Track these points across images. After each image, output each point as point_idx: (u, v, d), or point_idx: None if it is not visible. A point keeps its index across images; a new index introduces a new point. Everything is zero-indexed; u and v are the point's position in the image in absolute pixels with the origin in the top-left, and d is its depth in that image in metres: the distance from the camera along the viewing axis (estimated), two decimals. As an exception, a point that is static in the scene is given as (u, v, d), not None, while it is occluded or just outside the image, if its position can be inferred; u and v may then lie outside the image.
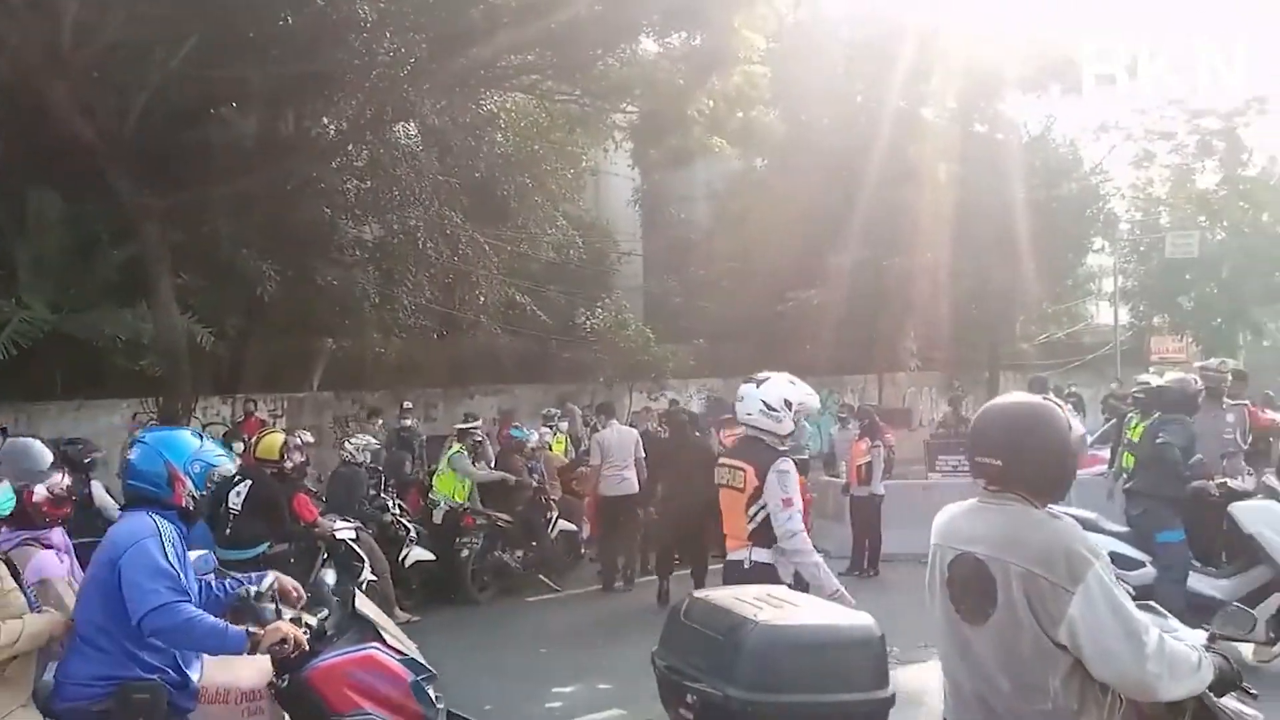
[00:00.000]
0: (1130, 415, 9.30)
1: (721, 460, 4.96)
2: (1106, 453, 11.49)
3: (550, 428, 12.37)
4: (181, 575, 3.31)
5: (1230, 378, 8.33)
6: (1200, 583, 6.39)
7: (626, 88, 12.97)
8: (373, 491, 9.40)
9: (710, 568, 10.45)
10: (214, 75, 11.28)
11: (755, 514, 4.48)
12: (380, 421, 13.32)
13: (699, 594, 2.99)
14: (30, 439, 4.23)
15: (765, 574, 4.35)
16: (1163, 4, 30.44)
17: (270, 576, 3.67)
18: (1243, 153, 24.14)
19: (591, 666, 7.42)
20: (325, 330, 15.08)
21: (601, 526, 10.63)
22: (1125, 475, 7.89)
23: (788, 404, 4.68)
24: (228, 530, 6.75)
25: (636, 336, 16.67)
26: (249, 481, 6.89)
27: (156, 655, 3.34)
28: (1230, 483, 6.88)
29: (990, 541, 2.52)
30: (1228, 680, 2.65)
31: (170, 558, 3.29)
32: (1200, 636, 2.79)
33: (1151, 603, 2.93)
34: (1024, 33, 19.69)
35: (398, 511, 9.15)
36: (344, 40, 11.03)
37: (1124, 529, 6.73)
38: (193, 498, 3.49)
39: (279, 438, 7.41)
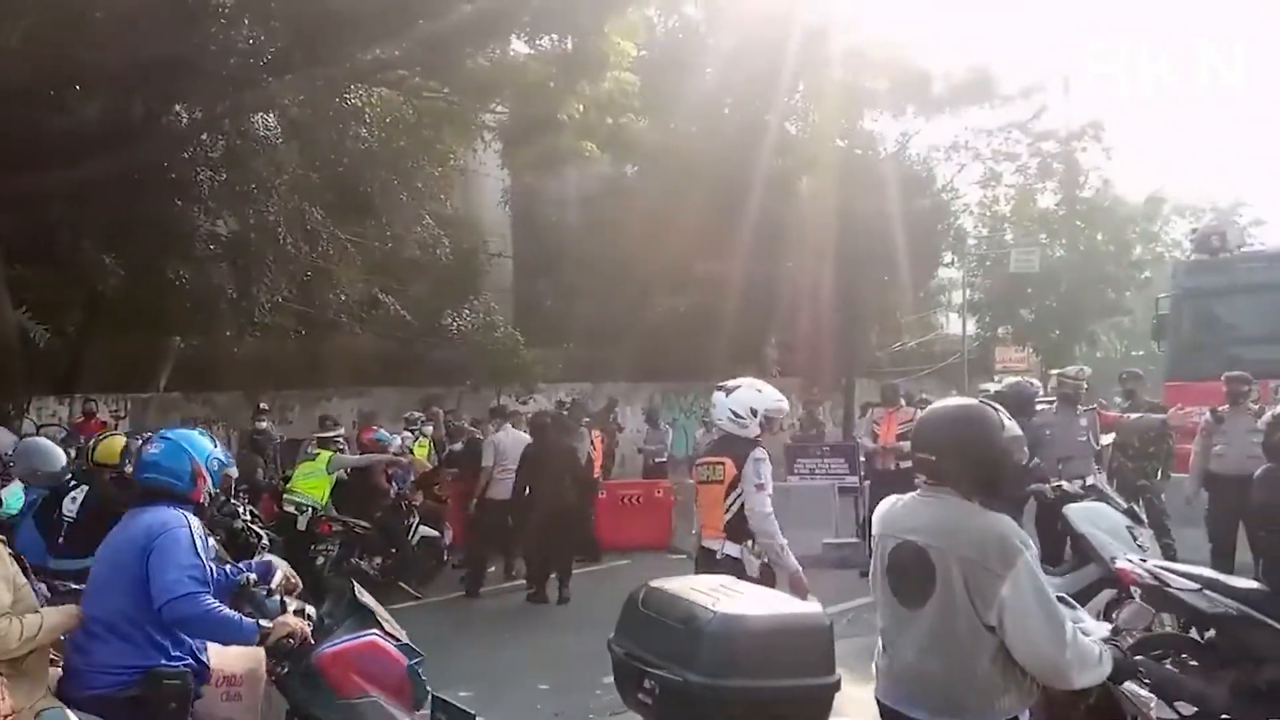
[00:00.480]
0: None
1: (700, 461, 5.38)
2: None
3: (413, 431, 12.11)
4: (208, 568, 3.49)
5: (1086, 386, 8.95)
6: None
7: (496, 87, 12.86)
8: (223, 497, 9.00)
9: (577, 571, 10.57)
10: (53, 56, 10.60)
11: (731, 504, 4.93)
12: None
13: (656, 584, 3.12)
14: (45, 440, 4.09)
15: (733, 567, 4.74)
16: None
17: (279, 573, 3.85)
18: (1080, 175, 25.74)
19: (454, 673, 7.30)
20: (174, 328, 14.37)
21: (480, 530, 10.53)
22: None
23: (753, 411, 5.10)
24: (61, 538, 6.31)
25: (505, 339, 16.50)
26: (84, 487, 6.47)
27: (180, 643, 3.48)
28: (1065, 485, 7.35)
29: (929, 531, 2.74)
30: (1124, 671, 2.91)
31: (199, 549, 3.46)
32: (1105, 629, 3.03)
33: (1064, 594, 3.18)
34: (885, 53, 20.49)
35: (249, 518, 8.78)
36: (200, 26, 10.55)
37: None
38: (209, 495, 3.75)
39: (120, 441, 6.97)
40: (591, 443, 12.24)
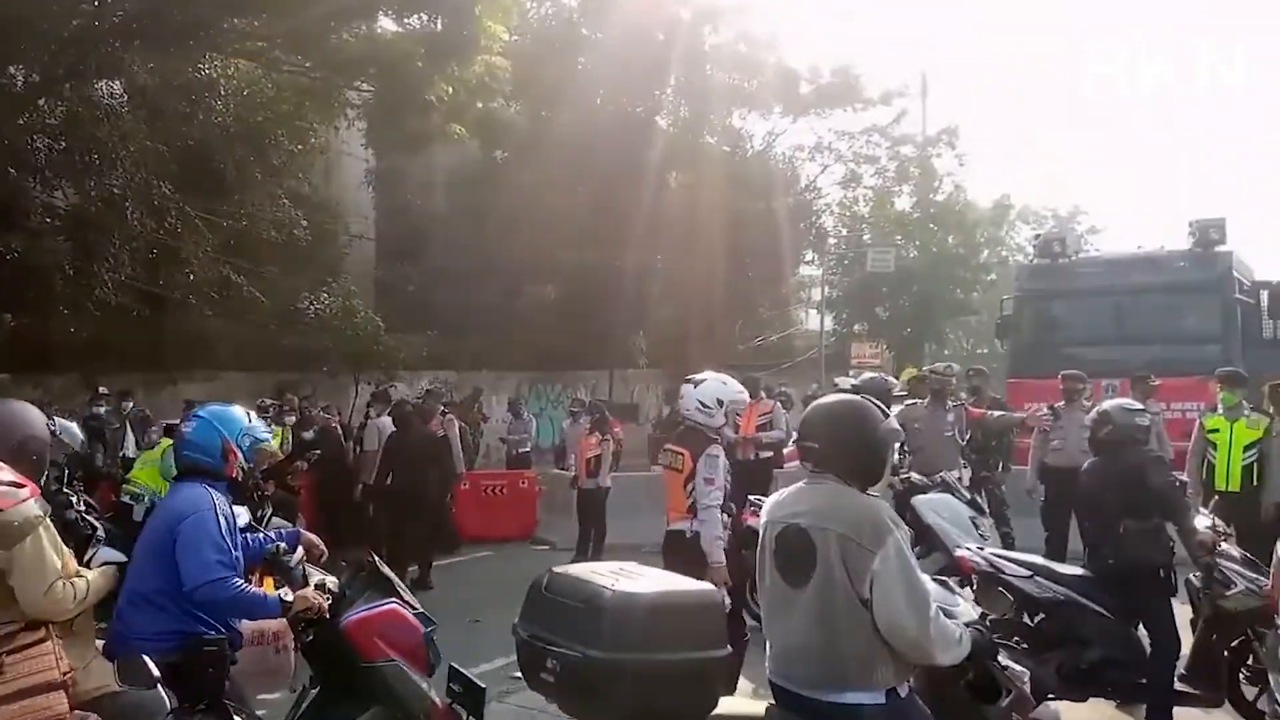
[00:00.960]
0: None
1: (665, 446, 5.86)
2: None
3: (266, 419, 11.63)
4: (232, 548, 3.66)
5: (954, 380, 9.34)
6: None
7: (361, 64, 12.48)
8: (55, 485, 8.42)
9: (439, 562, 10.40)
10: None
11: (691, 490, 5.38)
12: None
13: (558, 569, 3.24)
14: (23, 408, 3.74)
15: (699, 544, 5.32)
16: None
17: (300, 551, 4.01)
18: (934, 180, 26.86)
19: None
20: (3, 304, 13.36)
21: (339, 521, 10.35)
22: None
23: (719, 402, 5.54)
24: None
25: (365, 324, 16.01)
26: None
27: (215, 613, 3.69)
28: (914, 477, 7.66)
29: (812, 513, 2.95)
30: (984, 651, 3.14)
31: (223, 531, 3.63)
32: (975, 612, 3.31)
33: (944, 578, 3.51)
34: (756, 53, 20.89)
35: (83, 507, 8.23)
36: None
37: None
38: (242, 469, 3.89)
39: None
40: (441, 428, 12.08)
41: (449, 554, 11.42)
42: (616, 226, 18.60)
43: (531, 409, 17.78)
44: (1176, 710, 5.44)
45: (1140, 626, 5.54)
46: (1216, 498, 7.99)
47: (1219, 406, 8.39)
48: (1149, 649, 5.43)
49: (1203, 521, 5.69)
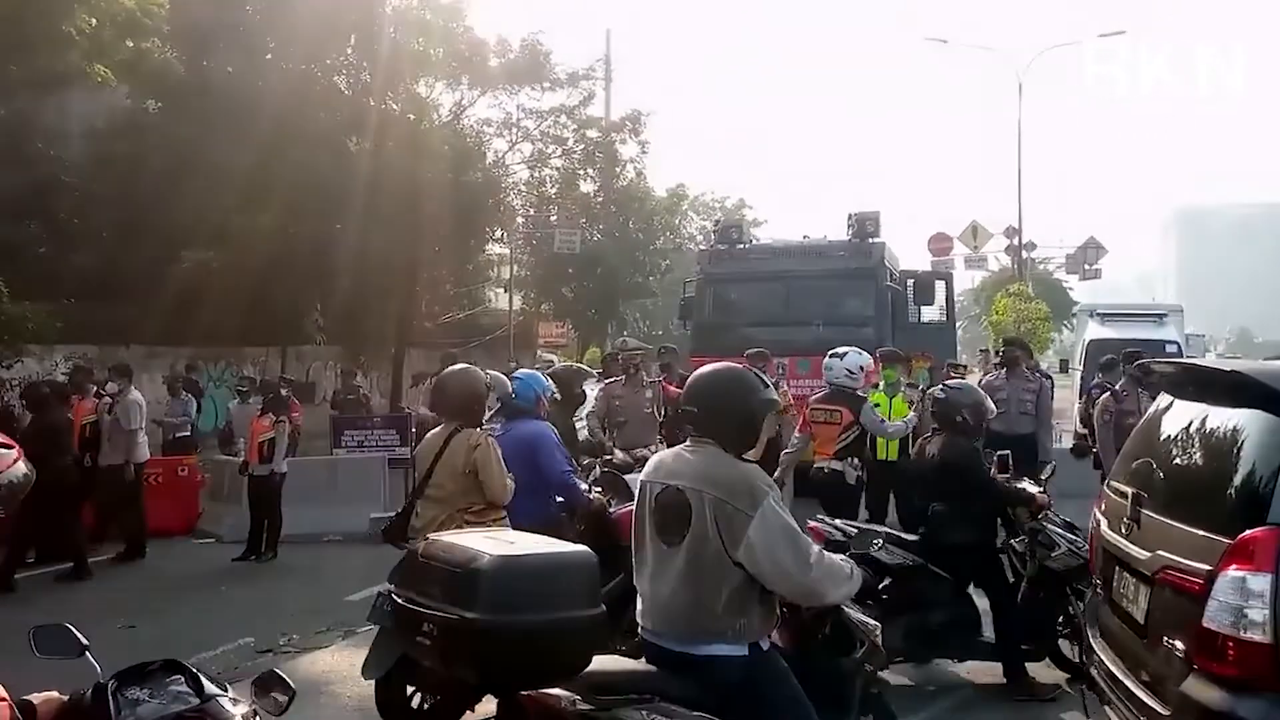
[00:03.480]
0: None
1: (816, 405, 7.83)
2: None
3: None
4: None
5: (641, 358, 9.45)
6: None
7: (-24, -19, 10.56)
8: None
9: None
10: None
11: (844, 437, 7.46)
12: None
13: (434, 536, 3.36)
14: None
15: (836, 478, 7.49)
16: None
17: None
18: (617, 165, 27.52)
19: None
20: None
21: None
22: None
23: (862, 369, 7.73)
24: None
25: (-18, 290, 13.62)
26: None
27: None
28: (619, 455, 7.70)
29: (690, 476, 3.14)
30: (869, 588, 3.65)
31: (559, 444, 5.82)
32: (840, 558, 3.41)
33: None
34: (442, 19, 20.18)
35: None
36: None
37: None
38: (546, 410, 6.12)
39: None
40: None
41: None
42: (289, 191, 17.21)
43: (196, 388, 15.99)
44: (989, 664, 5.86)
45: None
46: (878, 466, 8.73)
47: (880, 383, 9.11)
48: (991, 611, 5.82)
49: (1032, 488, 6.03)
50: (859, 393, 7.63)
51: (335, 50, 19.50)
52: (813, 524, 6.20)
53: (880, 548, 5.71)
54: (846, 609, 3.50)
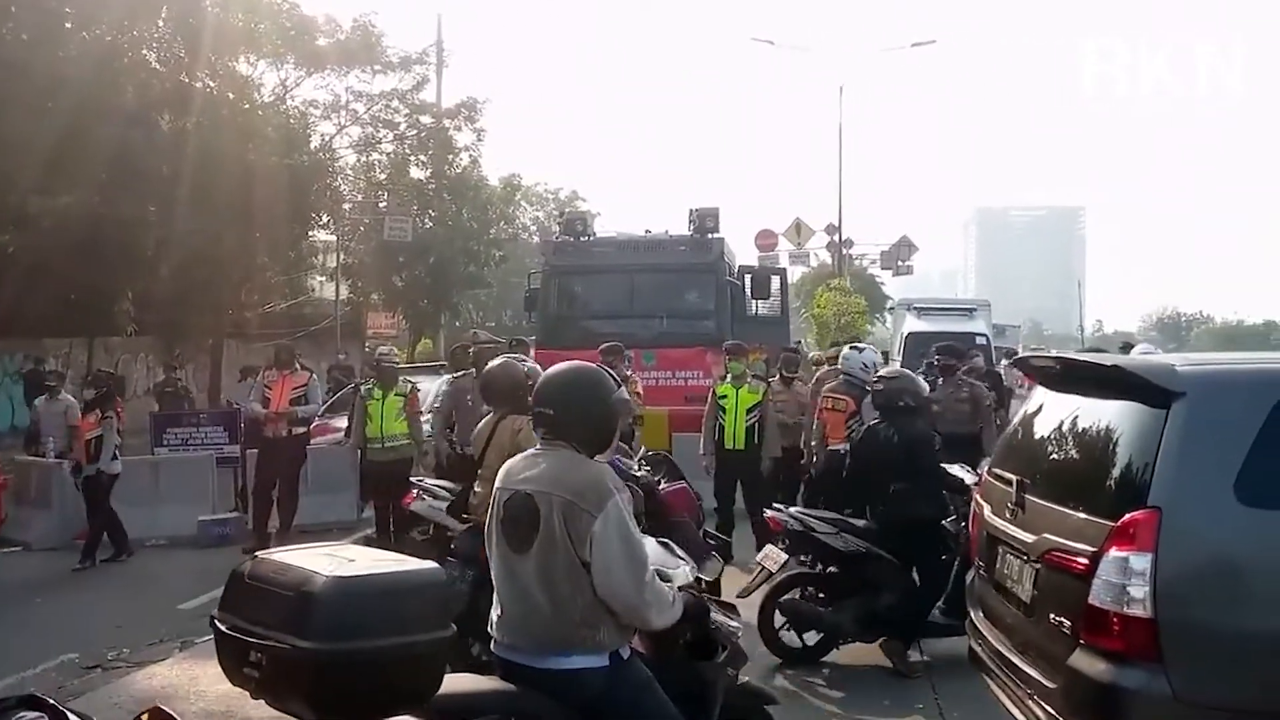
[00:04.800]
0: (368, 386, 9.78)
1: (828, 394, 8.79)
2: (342, 421, 11.71)
3: None
4: None
5: (494, 352, 9.20)
6: None
7: None
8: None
9: None
10: None
11: (850, 424, 7.49)
12: None
13: (263, 554, 3.01)
14: None
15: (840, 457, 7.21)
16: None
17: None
18: (450, 152, 26.94)
19: None
20: None
21: None
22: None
23: (875, 365, 8.65)
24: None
25: None
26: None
27: None
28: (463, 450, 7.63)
29: (540, 480, 3.00)
30: (699, 611, 3.31)
31: None
32: (690, 576, 3.37)
33: (669, 540, 3.58)
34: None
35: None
36: None
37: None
38: None
39: None
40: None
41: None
42: (97, 171, 15.92)
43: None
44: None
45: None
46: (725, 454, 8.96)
47: (727, 375, 9.30)
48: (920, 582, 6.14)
49: (968, 476, 6.32)
50: (866, 386, 7.76)
51: (146, 21, 18.16)
52: (770, 513, 6.46)
53: (835, 535, 6.04)
54: (711, 611, 3.43)
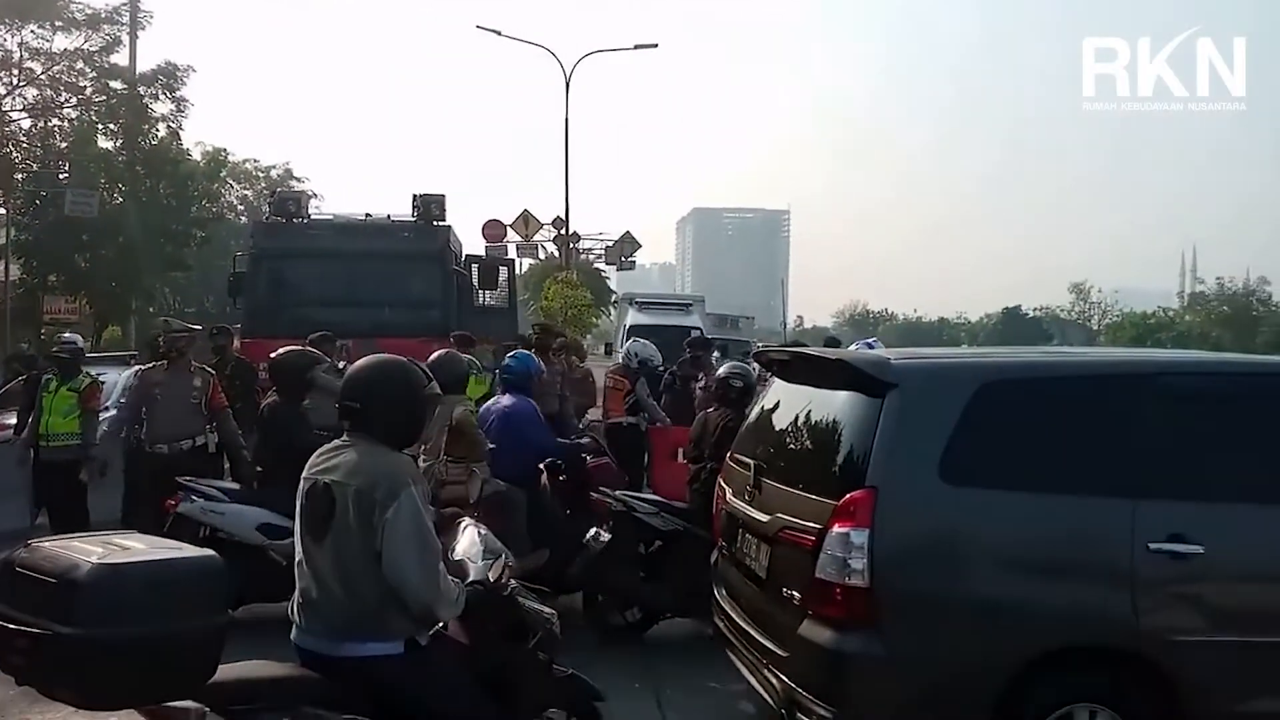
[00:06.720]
0: (48, 377, 8.79)
1: (610, 374, 10.05)
2: (13, 417, 10.45)
3: None
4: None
5: (186, 341, 8.45)
6: None
7: None
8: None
9: None
10: None
11: (627, 400, 9.06)
12: None
13: (34, 542, 2.98)
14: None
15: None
16: None
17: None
18: (145, 123, 24.53)
19: None
20: None
21: None
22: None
23: (638, 353, 9.59)
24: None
25: None
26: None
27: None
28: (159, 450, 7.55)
29: (340, 470, 3.05)
30: (482, 605, 3.28)
31: (542, 420, 7.05)
32: (487, 570, 3.35)
33: (489, 532, 3.61)
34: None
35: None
36: None
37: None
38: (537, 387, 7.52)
39: None
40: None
41: None
42: None
43: None
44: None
45: None
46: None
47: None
48: None
49: None
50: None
51: None
52: (595, 495, 6.72)
53: (656, 514, 6.33)
54: (521, 599, 3.49)
